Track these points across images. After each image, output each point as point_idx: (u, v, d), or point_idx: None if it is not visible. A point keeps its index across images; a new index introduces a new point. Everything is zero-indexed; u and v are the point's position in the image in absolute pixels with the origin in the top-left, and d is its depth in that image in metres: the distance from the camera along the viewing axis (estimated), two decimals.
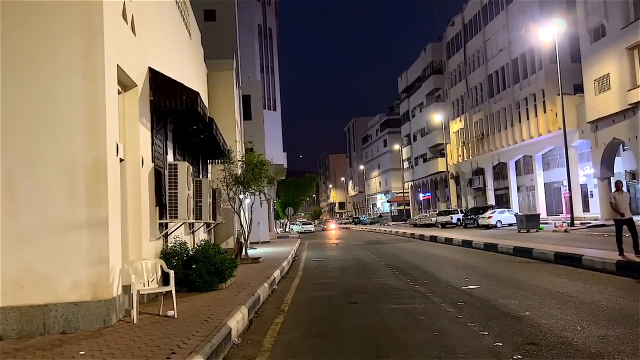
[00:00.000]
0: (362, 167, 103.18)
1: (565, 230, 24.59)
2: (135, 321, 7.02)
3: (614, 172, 32.45)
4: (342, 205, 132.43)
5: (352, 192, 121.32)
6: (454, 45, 57.91)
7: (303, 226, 59.42)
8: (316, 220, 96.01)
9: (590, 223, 28.18)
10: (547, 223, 30.30)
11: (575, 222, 27.61)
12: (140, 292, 7.50)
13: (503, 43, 45.87)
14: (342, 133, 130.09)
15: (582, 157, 36.30)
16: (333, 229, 62.68)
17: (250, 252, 18.82)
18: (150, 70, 9.61)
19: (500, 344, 5.66)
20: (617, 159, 32.84)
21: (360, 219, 77.70)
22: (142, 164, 8.96)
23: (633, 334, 5.86)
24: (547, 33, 30.19)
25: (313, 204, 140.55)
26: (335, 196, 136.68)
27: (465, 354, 5.40)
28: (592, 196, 36.45)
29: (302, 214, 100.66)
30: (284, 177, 39.61)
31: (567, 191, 29.18)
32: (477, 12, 51.02)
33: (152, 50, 10.14)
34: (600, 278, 10.18)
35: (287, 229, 57.85)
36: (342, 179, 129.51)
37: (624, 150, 32.99)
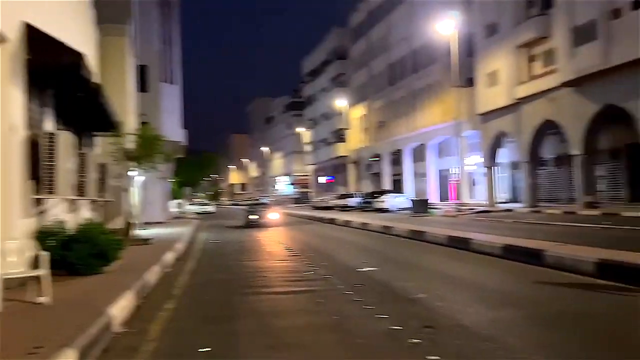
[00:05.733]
0: (265, 148, 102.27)
1: (454, 216, 26.00)
2: None
3: (496, 162, 34.90)
4: (243, 186, 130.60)
5: (254, 174, 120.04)
6: (358, 32, 58.58)
7: (202, 207, 57.54)
8: (215, 201, 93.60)
9: (475, 209, 30.09)
10: (437, 208, 31.87)
11: (462, 207, 29.33)
12: (5, 277, 6.56)
13: (405, 33, 47.11)
14: (246, 113, 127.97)
15: (473, 147, 38.56)
16: (275, 220, 26.39)
17: (142, 232, 17.71)
18: (28, 25, 8.40)
19: (400, 328, 5.60)
20: (500, 150, 35.21)
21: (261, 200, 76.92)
22: (13, 131, 7.84)
23: (521, 315, 6.09)
24: (444, 27, 30.97)
25: (214, 184, 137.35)
26: (236, 177, 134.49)
27: (365, 338, 5.28)
28: (474, 184, 39.00)
29: (202, 194, 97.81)
30: (183, 156, 37.88)
31: (455, 178, 30.85)
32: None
33: (29, 3, 8.88)
34: (488, 261, 10.62)
35: (184, 210, 55.77)
36: (245, 159, 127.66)
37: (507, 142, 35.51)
